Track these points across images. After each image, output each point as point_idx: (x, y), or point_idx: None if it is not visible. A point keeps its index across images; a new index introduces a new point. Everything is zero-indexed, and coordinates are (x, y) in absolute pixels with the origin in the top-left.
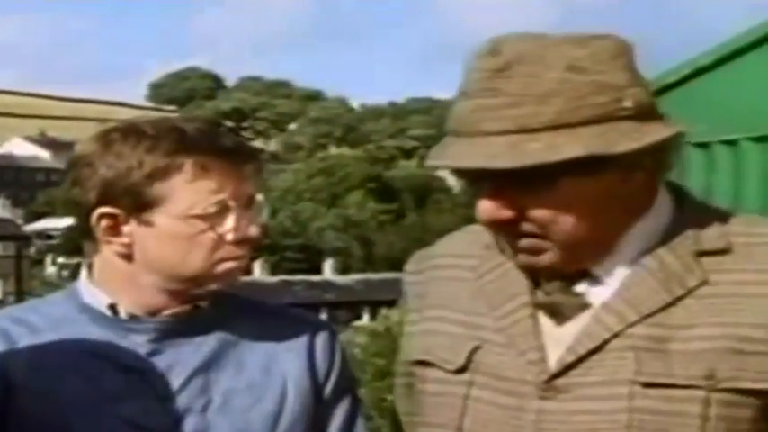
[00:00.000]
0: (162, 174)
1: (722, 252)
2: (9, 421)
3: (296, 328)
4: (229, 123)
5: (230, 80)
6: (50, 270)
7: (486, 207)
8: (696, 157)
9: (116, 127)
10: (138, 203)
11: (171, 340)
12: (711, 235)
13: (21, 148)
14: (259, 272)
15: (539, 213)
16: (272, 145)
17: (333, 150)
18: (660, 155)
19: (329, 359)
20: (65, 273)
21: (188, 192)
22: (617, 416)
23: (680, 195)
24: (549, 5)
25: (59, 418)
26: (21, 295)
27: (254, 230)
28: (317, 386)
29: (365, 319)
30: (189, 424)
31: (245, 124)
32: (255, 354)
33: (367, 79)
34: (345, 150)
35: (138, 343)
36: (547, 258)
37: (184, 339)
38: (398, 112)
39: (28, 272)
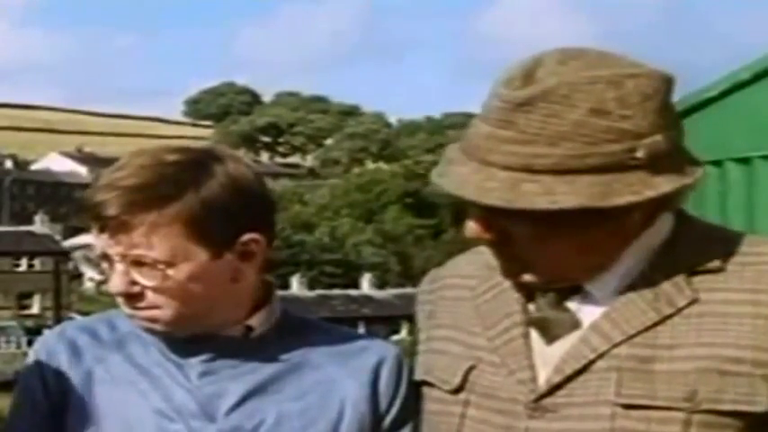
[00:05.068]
0: None
1: (716, 271)
2: (65, 426)
3: (363, 355)
4: (266, 139)
5: (267, 96)
6: (88, 285)
7: (472, 227)
8: (736, 172)
9: None
10: None
11: (227, 361)
12: (706, 255)
13: (58, 164)
14: (297, 286)
15: (525, 242)
16: (309, 160)
17: (370, 165)
18: (665, 200)
19: (394, 388)
20: (103, 288)
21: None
22: None
23: (680, 216)
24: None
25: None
26: (59, 310)
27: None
28: (377, 414)
29: (403, 333)
30: None
31: (281, 139)
32: (315, 378)
33: (404, 94)
34: (382, 165)
35: (192, 363)
36: (531, 278)
37: (242, 361)
38: (435, 127)
39: (66, 287)
